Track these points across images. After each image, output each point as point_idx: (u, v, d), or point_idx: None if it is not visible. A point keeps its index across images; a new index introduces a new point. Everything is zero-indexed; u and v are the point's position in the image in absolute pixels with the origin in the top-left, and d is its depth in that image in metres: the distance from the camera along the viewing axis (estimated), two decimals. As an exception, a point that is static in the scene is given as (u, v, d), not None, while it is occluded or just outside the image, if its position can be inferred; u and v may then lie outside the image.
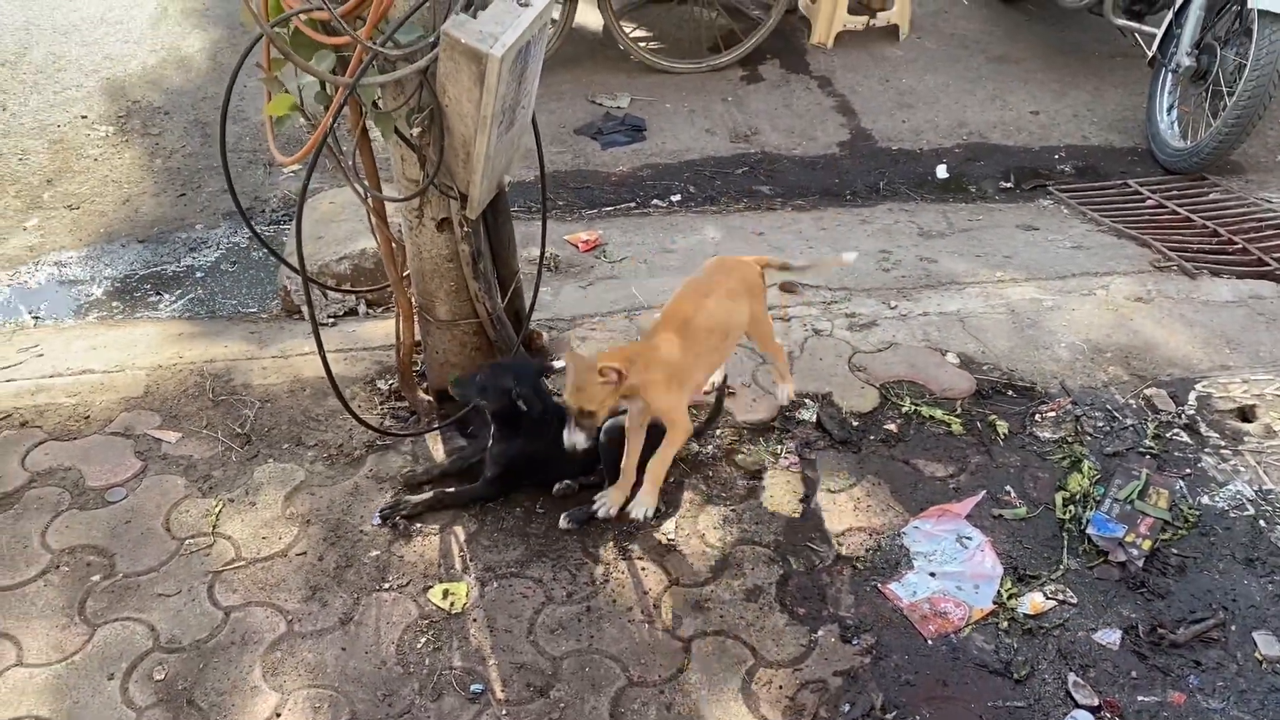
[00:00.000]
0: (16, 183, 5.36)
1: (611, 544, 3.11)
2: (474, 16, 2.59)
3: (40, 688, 2.73)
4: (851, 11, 6.55)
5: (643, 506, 3.05)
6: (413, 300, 3.41)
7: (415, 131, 2.82)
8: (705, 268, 3.28)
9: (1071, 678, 2.73)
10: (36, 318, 4.44)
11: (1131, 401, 3.60)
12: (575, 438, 2.88)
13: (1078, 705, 2.67)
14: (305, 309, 4.12)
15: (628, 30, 6.31)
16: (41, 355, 3.96)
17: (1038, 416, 3.55)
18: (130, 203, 5.20)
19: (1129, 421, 3.52)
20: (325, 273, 4.19)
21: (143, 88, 6.11)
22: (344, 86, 2.57)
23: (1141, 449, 3.42)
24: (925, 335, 3.91)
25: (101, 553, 3.11)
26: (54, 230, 5.01)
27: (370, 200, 3.11)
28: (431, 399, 3.58)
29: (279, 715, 2.66)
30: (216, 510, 3.24)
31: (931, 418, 3.54)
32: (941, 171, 5.37)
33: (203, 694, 2.71)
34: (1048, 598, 2.95)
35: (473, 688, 2.71)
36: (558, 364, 3.17)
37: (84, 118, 5.91)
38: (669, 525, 3.17)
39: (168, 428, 3.56)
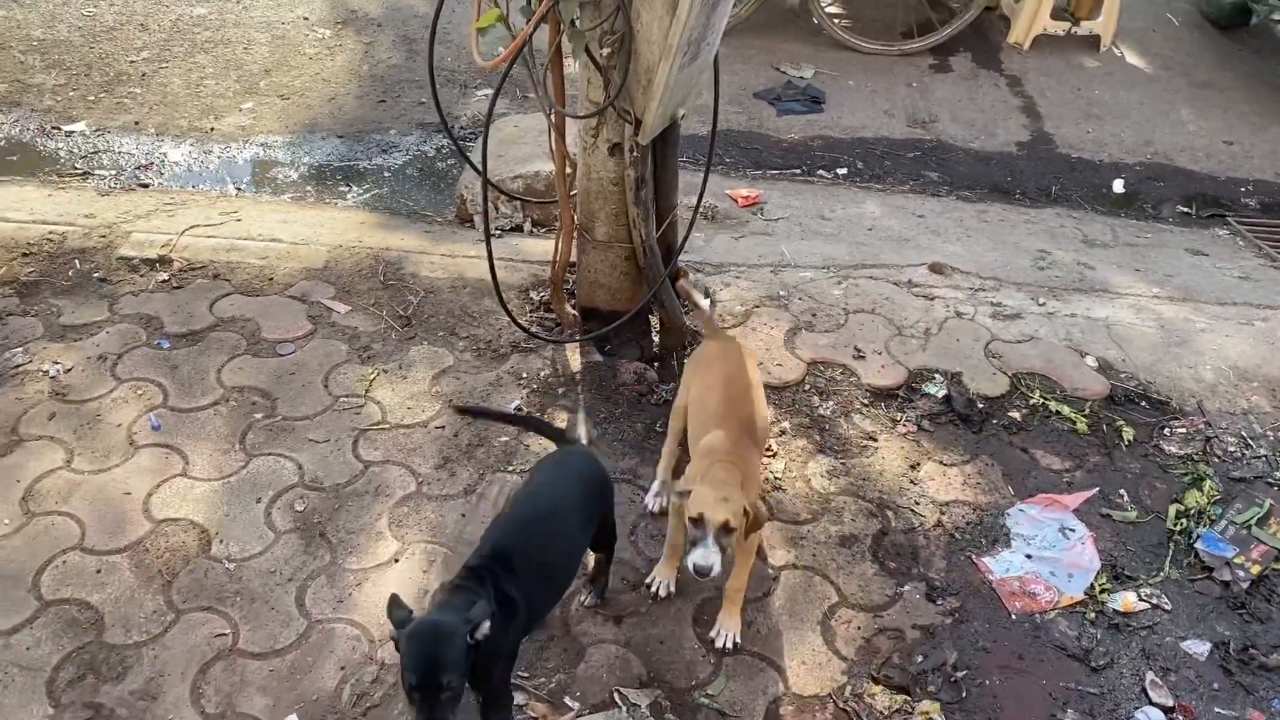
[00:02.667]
0: (239, 69, 5.84)
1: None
2: (677, -51, 2.75)
3: (198, 498, 3.08)
4: (1054, 16, 6.42)
5: (728, 634, 2.77)
6: (575, 219, 3.62)
7: (604, 53, 3.01)
8: (716, 358, 3.00)
9: (1150, 676, 2.75)
10: (239, 188, 4.87)
11: (1269, 434, 3.53)
12: (714, 558, 2.44)
13: (1151, 702, 2.69)
14: (479, 217, 4.41)
15: (824, 5, 6.37)
16: (239, 220, 4.37)
17: (1167, 430, 3.52)
18: (335, 101, 5.61)
19: (1262, 452, 3.45)
20: (500, 187, 4.45)
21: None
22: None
23: (1270, 480, 3.36)
24: (1067, 335, 3.90)
25: (265, 395, 3.45)
26: (265, 115, 5.45)
27: (553, 116, 3.33)
28: (577, 314, 3.80)
29: (397, 560, 2.93)
30: (371, 377, 3.54)
31: (1058, 413, 3.55)
32: (1119, 186, 5.27)
33: (334, 530, 3.01)
34: (1141, 599, 2.96)
35: (572, 567, 2.92)
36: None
37: (306, 19, 6.37)
38: (777, 465, 3.31)
39: (339, 300, 3.89)
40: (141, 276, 3.96)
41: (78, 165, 4.96)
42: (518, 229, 4.48)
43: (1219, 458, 3.43)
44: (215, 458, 3.22)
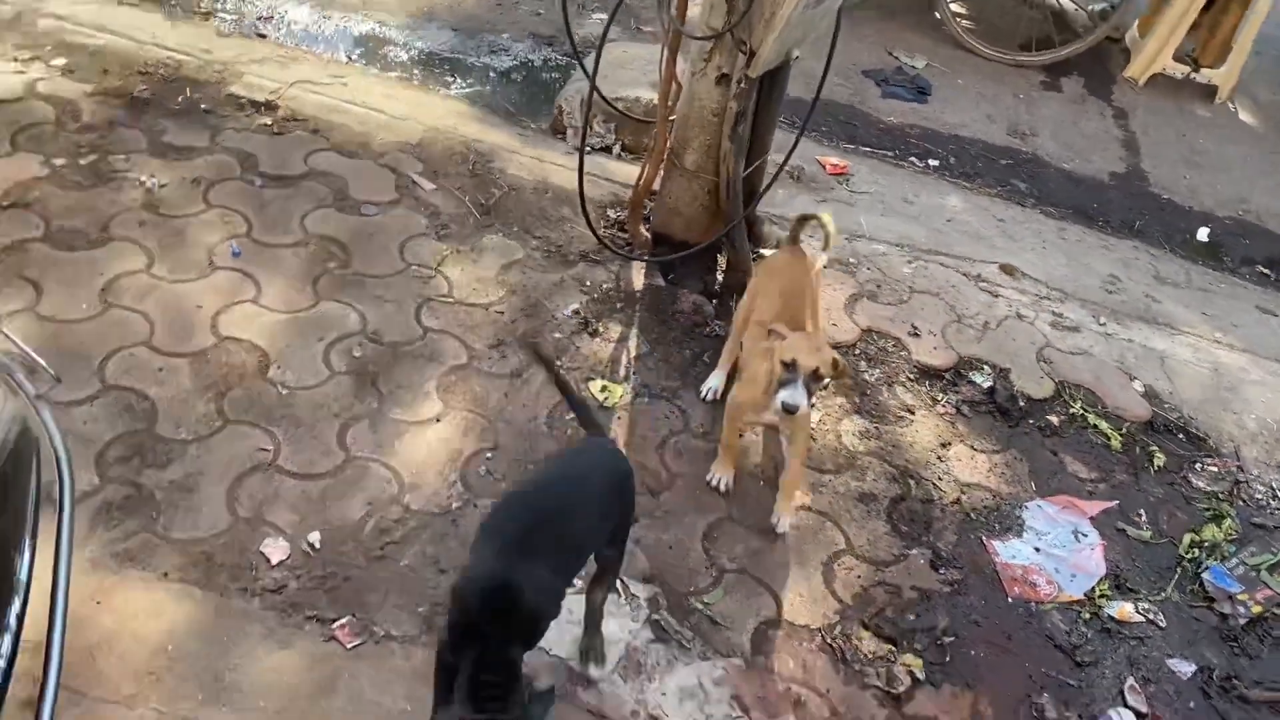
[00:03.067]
0: (369, -53, 5.95)
1: (759, 408, 3.36)
2: (827, -110, 2.81)
3: (264, 325, 3.23)
4: (1176, 59, 6.36)
5: (786, 520, 3.00)
6: (668, 142, 3.70)
7: (735, -22, 3.08)
8: (779, 265, 3.24)
9: (1130, 681, 2.82)
10: (350, 58, 4.99)
11: (1301, 490, 3.55)
12: (799, 399, 2.66)
13: (1126, 705, 2.76)
14: (574, 130, 4.50)
15: (950, 3, 6.36)
16: (345, 85, 4.49)
17: (1199, 465, 3.56)
18: (455, -5, 5.71)
19: (1289, 506, 3.49)
20: (600, 106, 4.53)
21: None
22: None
23: (1291, 533, 3.39)
24: (1120, 358, 3.94)
25: (343, 248, 3.59)
26: (386, -4, 5.57)
27: (670, 33, 3.41)
28: (649, 236, 3.89)
29: (438, 420, 3.06)
30: (445, 253, 3.66)
31: (1095, 426, 3.60)
32: (1203, 234, 5.24)
33: (385, 381, 3.14)
34: (1138, 611, 3.02)
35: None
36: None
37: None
38: (814, 416, 3.39)
39: (427, 177, 4.01)
40: (246, 116, 4.10)
41: (203, 4, 5.09)
42: (607, 150, 4.56)
43: (1244, 501, 3.46)
44: (286, 293, 3.36)
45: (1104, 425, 3.60)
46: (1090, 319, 4.11)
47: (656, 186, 3.86)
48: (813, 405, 2.77)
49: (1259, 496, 3.49)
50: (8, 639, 1.38)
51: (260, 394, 3.01)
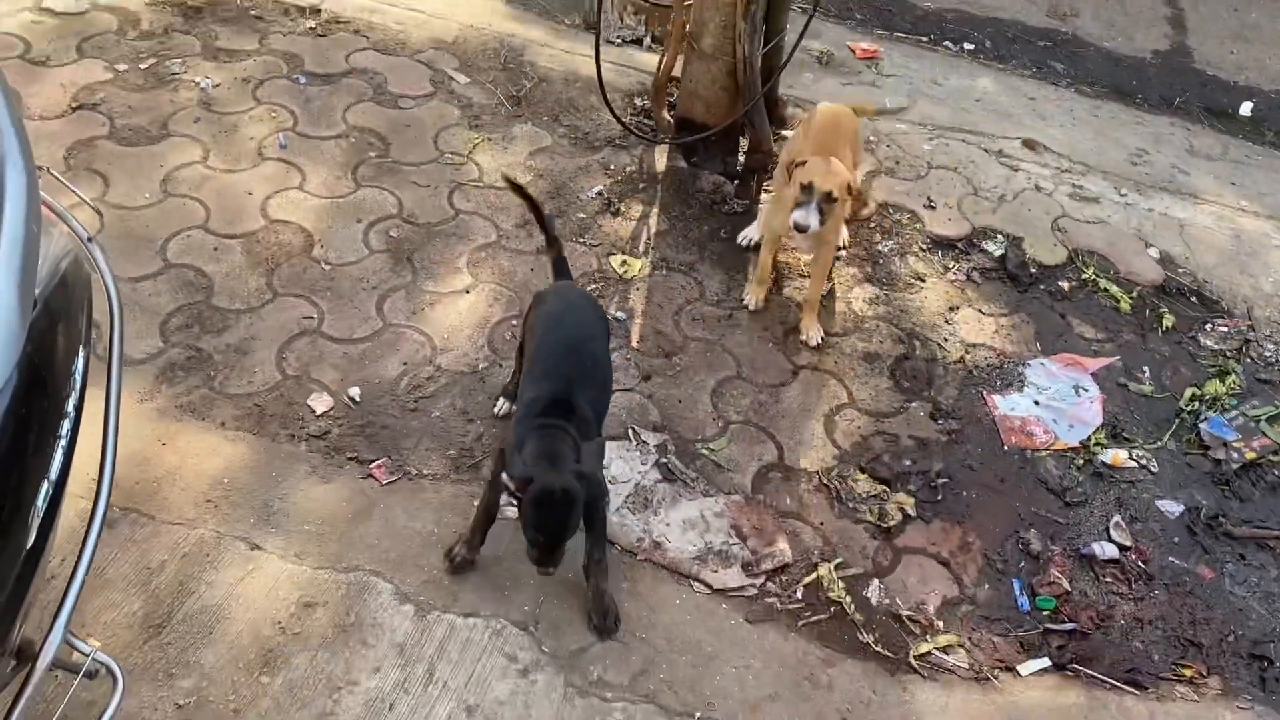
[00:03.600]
0: None
1: (769, 283, 3.53)
2: None
3: (309, 209, 3.50)
4: (1232, -71, 6.18)
5: (815, 334, 3.32)
6: (686, 26, 3.83)
7: None
8: (831, 118, 3.38)
9: (1116, 518, 2.98)
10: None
11: (1311, 348, 3.61)
12: (812, 219, 3.00)
13: (1110, 540, 2.93)
14: (609, 24, 4.63)
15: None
16: (385, -11, 4.69)
17: (1209, 326, 3.64)
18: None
19: (1298, 363, 3.56)
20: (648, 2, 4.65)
21: None
22: None
23: (1296, 387, 3.47)
24: (1139, 226, 4.00)
25: (381, 139, 3.82)
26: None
27: (681, -83, 3.52)
28: (671, 121, 4.04)
29: (468, 292, 3.31)
30: (476, 141, 3.88)
31: (1106, 290, 3.69)
32: (1246, 109, 5.18)
33: (420, 258, 3.40)
34: (1131, 458, 3.16)
35: (616, 314, 3.26)
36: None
37: None
38: (826, 288, 3.56)
39: (462, 72, 4.21)
40: (292, 20, 4.34)
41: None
42: (638, 42, 4.70)
43: (1252, 359, 3.55)
44: (329, 180, 3.62)
45: (1115, 289, 3.69)
46: (1111, 190, 4.17)
47: (678, 72, 3.99)
48: (823, 224, 3.04)
49: (1268, 354, 3.57)
50: (61, 448, 1.65)
51: (305, 270, 3.29)
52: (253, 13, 4.33)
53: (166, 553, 2.47)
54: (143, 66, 3.94)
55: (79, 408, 1.73)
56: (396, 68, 4.17)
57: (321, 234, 3.41)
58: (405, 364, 3.06)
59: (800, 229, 3.02)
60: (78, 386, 1.74)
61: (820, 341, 3.31)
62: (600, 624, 2.49)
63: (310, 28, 4.31)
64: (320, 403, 2.91)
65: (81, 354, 1.77)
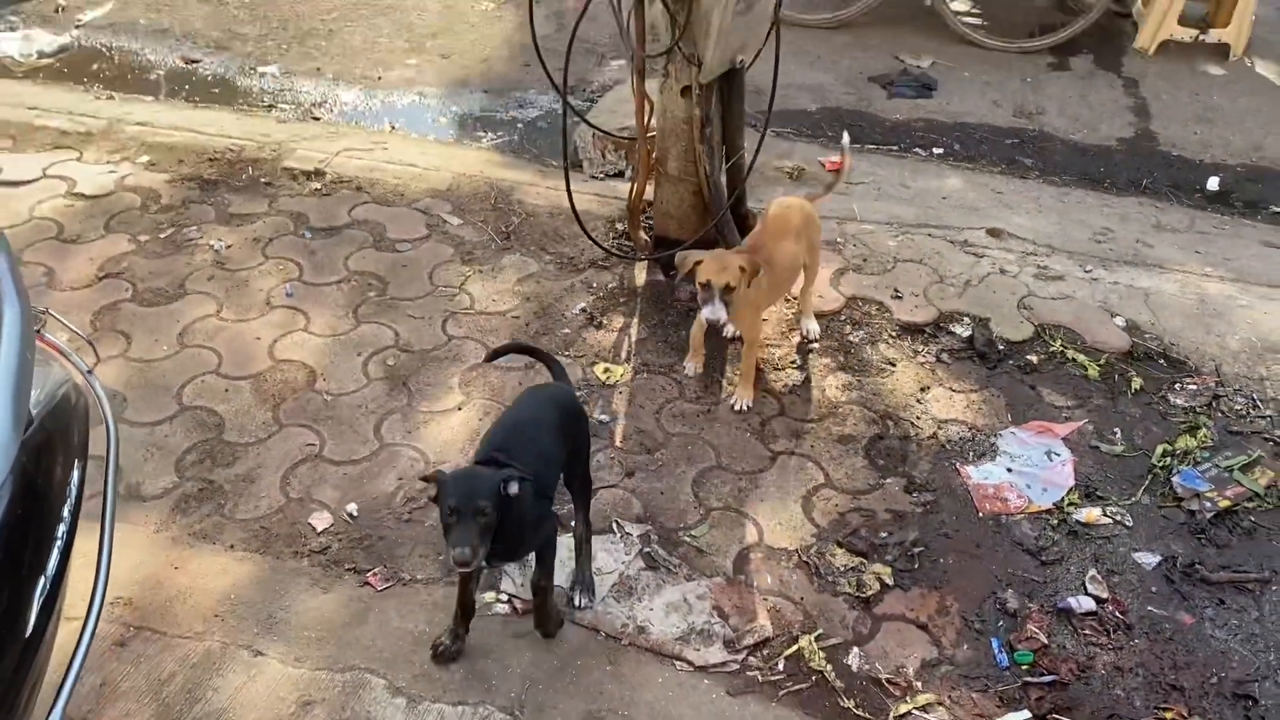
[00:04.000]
0: (410, 31, 6.66)
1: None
2: (732, -90, 3.25)
3: (312, 348, 3.78)
4: (1183, 23, 6.52)
5: (744, 400, 3.60)
6: (652, 154, 4.15)
7: (672, 1, 3.54)
8: (781, 212, 3.71)
9: (1092, 572, 3.05)
10: (393, 126, 5.63)
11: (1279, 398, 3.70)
12: (719, 312, 3.31)
13: (1087, 593, 2.99)
14: (588, 162, 5.00)
15: (951, 2, 6.69)
16: (386, 149, 5.11)
17: (1178, 385, 3.75)
18: (487, 62, 6.34)
19: (1268, 413, 3.64)
20: (610, 138, 5.01)
21: (525, -21, 7.27)
22: (621, -52, 3.34)
23: (1268, 436, 3.55)
24: (1104, 299, 4.16)
25: (380, 280, 4.14)
26: (425, 70, 6.23)
27: (634, 59, 3.88)
28: (648, 240, 4.33)
29: (460, 409, 3.53)
30: (468, 275, 4.18)
31: (1074, 360, 3.83)
32: (1213, 183, 5.37)
33: (414, 382, 3.64)
34: (1106, 515, 3.24)
35: (599, 417, 3.46)
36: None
37: (474, -7, 7.17)
38: (798, 375, 3.74)
39: (455, 215, 4.55)
40: (298, 184, 4.74)
41: (265, 99, 5.85)
42: (619, 174, 5.04)
43: (1223, 413, 3.64)
44: (331, 320, 3.91)
45: (1082, 358, 3.83)
46: (1076, 268, 4.35)
47: (651, 196, 4.30)
48: (728, 311, 3.34)
49: (1238, 407, 3.66)
50: (57, 548, 1.85)
51: (309, 401, 3.54)
52: (263, 180, 4.74)
53: (176, 664, 2.65)
54: (162, 236, 4.32)
55: (75, 513, 1.94)
56: (395, 217, 4.52)
57: (324, 368, 3.68)
58: (401, 479, 3.26)
59: (713, 324, 3.40)
60: (73, 495, 1.96)
61: (747, 408, 3.58)
62: (545, 629, 2.75)
63: (316, 189, 4.70)
64: (321, 520, 3.11)
65: (77, 467, 2.00)
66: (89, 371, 2.22)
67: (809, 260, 3.78)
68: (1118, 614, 2.94)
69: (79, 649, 1.87)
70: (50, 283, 4.00)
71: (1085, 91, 6.25)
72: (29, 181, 4.63)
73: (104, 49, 6.38)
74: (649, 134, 4.12)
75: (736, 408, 3.59)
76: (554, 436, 2.71)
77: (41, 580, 1.82)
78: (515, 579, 2.95)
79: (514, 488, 2.37)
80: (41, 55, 6.16)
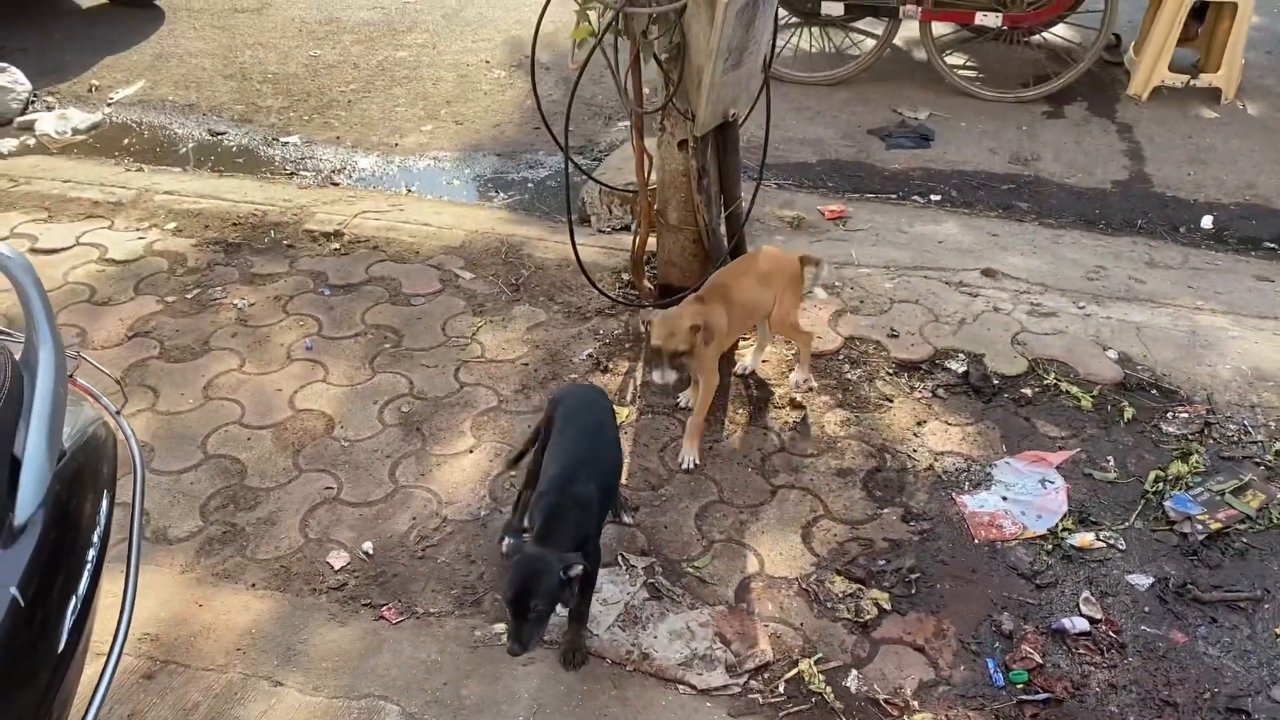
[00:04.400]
0: (426, 99, 6.95)
1: (746, 415, 3.86)
2: (718, -26, 3.46)
3: (331, 397, 3.94)
4: (1174, 69, 6.69)
5: (688, 455, 3.60)
6: (652, 205, 4.33)
7: (664, 58, 3.74)
8: (752, 254, 3.88)
9: (1085, 593, 3.13)
10: (409, 189, 5.87)
11: (1271, 424, 3.78)
12: (669, 376, 3.37)
13: (1080, 614, 3.07)
14: (596, 216, 5.20)
15: (945, 56, 6.90)
16: (401, 211, 5.33)
17: (1170, 414, 3.84)
18: (499, 127, 6.59)
19: (1259, 438, 3.72)
20: (614, 192, 5.21)
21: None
22: (615, 11, 3.55)
23: (1259, 460, 3.63)
24: (1096, 333, 4.27)
25: (395, 332, 4.31)
26: (440, 136, 6.49)
27: (632, 115, 4.08)
28: (653, 288, 4.49)
29: (471, 451, 3.68)
30: (479, 325, 4.35)
31: (1067, 392, 3.93)
32: (1207, 221, 5.50)
33: (428, 428, 3.79)
34: (1099, 539, 3.32)
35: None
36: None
37: (486, 62, 7.46)
38: (797, 413, 3.86)
39: (467, 269, 4.74)
40: (318, 245, 4.95)
41: (287, 167, 6.11)
42: (625, 228, 5.22)
43: (1215, 440, 3.72)
44: (349, 371, 4.08)
45: (1075, 390, 3.93)
46: (1069, 304, 4.46)
47: (654, 246, 4.47)
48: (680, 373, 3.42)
49: (1230, 433, 3.75)
50: (88, 571, 2.00)
51: (327, 448, 3.69)
52: (284, 242, 4.95)
53: (200, 694, 2.77)
54: (188, 296, 4.53)
55: (104, 539, 2.09)
56: (410, 273, 4.71)
57: (341, 416, 3.84)
58: (414, 518, 3.40)
59: (661, 387, 3.51)
60: (102, 523, 2.11)
61: (694, 465, 3.58)
62: (568, 657, 2.85)
63: (335, 249, 4.91)
64: (338, 559, 3.24)
65: (106, 497, 2.15)
66: (117, 413, 2.38)
67: (778, 310, 3.79)
68: (1111, 633, 3.01)
69: (108, 664, 2.00)
70: (83, 343, 4.20)
71: (1080, 137, 6.42)
72: (63, 249, 4.87)
73: (134, 125, 6.69)
74: (649, 186, 4.30)
75: (684, 465, 3.59)
76: (612, 438, 2.99)
77: (73, 601, 1.96)
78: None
79: (576, 570, 2.53)
80: (76, 132, 6.46)
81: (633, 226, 5.20)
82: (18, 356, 2.05)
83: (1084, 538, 3.32)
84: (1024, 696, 2.83)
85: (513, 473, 3.49)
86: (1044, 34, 7.07)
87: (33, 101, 6.79)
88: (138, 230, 5.05)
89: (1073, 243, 5.17)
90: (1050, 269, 4.79)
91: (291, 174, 6.01)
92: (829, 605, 3.11)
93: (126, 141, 6.46)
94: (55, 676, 1.90)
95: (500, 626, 3.02)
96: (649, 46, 3.76)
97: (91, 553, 2.05)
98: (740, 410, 3.88)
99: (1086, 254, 5.01)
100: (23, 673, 1.82)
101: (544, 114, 4.38)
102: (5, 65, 6.72)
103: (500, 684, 2.83)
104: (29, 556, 1.84)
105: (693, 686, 2.85)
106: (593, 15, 3.87)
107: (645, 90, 4.08)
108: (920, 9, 6.55)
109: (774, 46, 4.16)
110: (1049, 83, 6.73)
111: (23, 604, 1.78)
